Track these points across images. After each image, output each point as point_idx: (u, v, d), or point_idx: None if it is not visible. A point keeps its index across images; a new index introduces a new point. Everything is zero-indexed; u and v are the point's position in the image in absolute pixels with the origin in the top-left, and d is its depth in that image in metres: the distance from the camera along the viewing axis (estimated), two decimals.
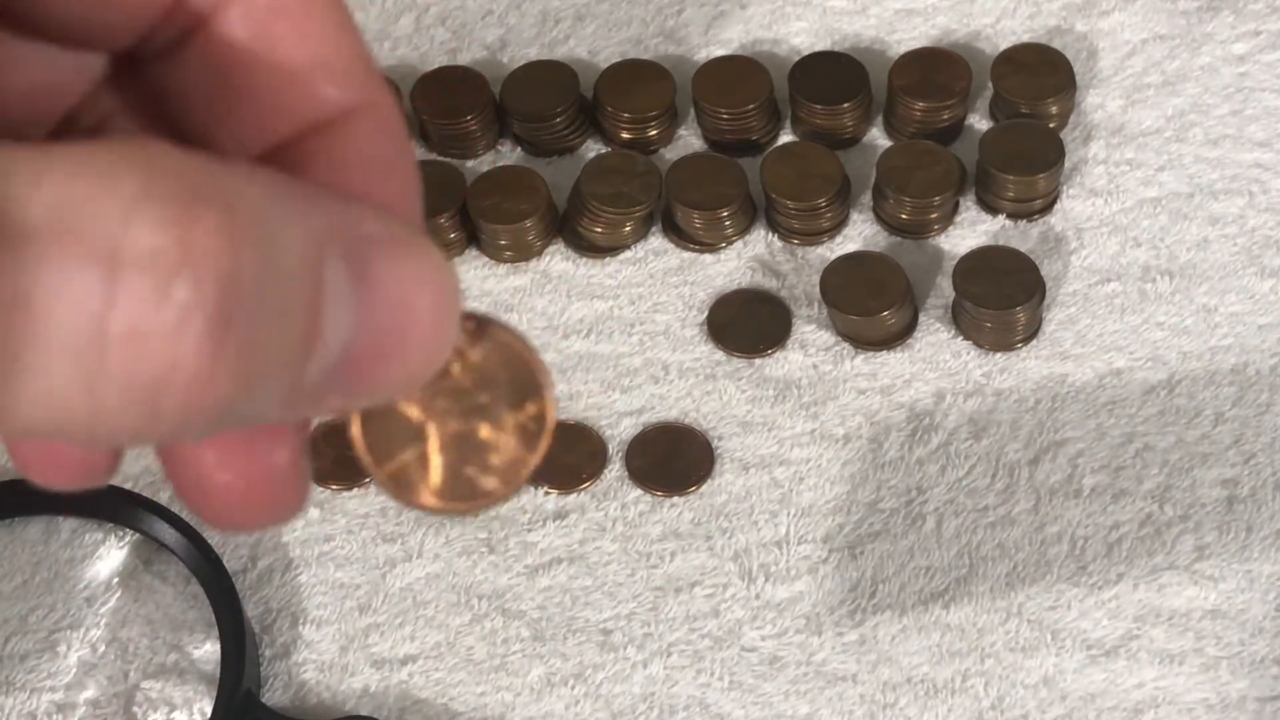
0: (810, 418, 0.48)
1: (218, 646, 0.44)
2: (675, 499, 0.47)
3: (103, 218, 0.17)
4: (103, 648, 0.45)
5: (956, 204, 0.51)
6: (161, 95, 0.24)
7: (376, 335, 0.20)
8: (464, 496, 0.24)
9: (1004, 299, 0.47)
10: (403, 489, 0.23)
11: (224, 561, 0.45)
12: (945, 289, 0.49)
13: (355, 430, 0.23)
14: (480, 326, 0.23)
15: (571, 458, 0.47)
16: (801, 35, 0.54)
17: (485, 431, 0.23)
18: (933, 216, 0.50)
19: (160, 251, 0.17)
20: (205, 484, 0.23)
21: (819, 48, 0.54)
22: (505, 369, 0.23)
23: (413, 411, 0.23)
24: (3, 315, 0.17)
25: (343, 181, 0.23)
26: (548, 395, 0.23)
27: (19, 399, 0.18)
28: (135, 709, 0.44)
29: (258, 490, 0.23)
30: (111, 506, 0.46)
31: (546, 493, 0.47)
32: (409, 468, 0.23)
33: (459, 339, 0.22)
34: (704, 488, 0.47)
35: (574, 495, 0.47)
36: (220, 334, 0.18)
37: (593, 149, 0.53)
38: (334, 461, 0.47)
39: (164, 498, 0.47)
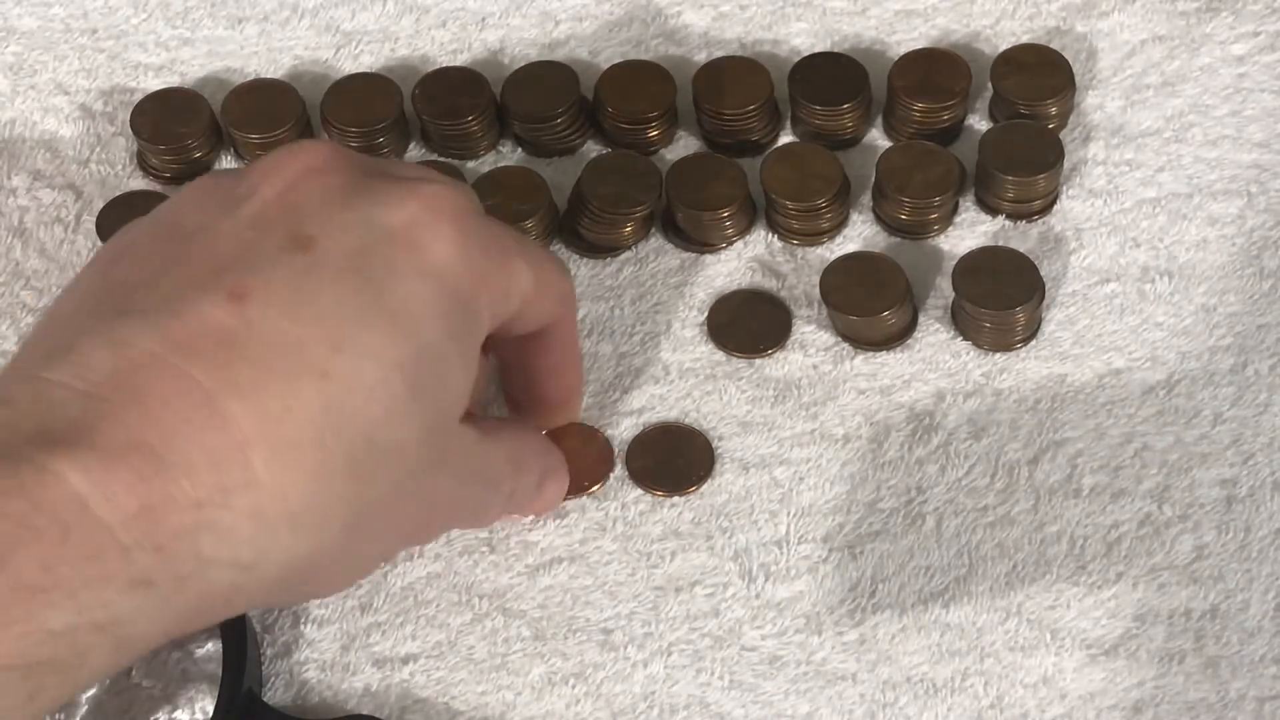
0: (810, 418, 0.48)
1: (219, 645, 0.44)
2: (675, 499, 0.47)
3: (527, 465, 0.44)
4: None
5: (956, 204, 0.51)
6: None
7: (538, 504, 0.46)
8: None
9: (1003, 299, 0.47)
10: None
11: None
12: (945, 289, 0.49)
13: None
14: None
15: (575, 459, 0.47)
16: (801, 36, 0.55)
17: None
18: (932, 217, 0.50)
19: (541, 488, 0.45)
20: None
21: (819, 48, 0.54)
22: None
23: None
24: (502, 500, 0.44)
25: (548, 370, 0.46)
26: None
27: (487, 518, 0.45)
28: (137, 708, 0.44)
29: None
30: None
31: None
32: None
33: None
34: (704, 488, 0.47)
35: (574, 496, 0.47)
36: (543, 511, 0.47)
37: (593, 149, 0.53)
38: None
39: None
